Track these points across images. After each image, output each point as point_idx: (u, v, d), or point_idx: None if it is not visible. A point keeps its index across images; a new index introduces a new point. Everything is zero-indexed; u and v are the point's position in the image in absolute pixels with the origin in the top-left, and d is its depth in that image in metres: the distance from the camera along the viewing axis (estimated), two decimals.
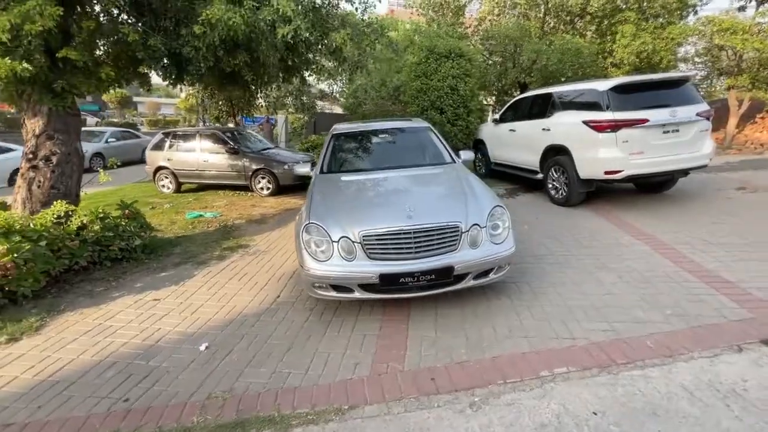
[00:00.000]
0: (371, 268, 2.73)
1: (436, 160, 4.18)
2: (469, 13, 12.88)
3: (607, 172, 5.03)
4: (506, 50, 10.20)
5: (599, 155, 5.07)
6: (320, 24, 4.63)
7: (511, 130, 7.16)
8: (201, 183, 8.40)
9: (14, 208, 3.95)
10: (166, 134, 8.56)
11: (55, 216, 3.61)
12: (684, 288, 3.19)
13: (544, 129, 6.10)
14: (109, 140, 13.76)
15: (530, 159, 6.52)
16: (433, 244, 2.80)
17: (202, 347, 2.73)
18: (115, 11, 4.63)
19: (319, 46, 4.84)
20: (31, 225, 3.41)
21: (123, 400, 2.24)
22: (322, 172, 4.09)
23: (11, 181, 9.64)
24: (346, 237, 2.81)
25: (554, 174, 5.96)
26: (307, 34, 4.25)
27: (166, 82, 4.96)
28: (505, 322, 2.85)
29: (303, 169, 4.31)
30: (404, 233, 2.77)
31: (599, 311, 2.92)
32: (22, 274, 3.21)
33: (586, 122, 5.18)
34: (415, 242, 2.76)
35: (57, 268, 3.56)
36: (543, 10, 11.24)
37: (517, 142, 6.94)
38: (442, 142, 4.44)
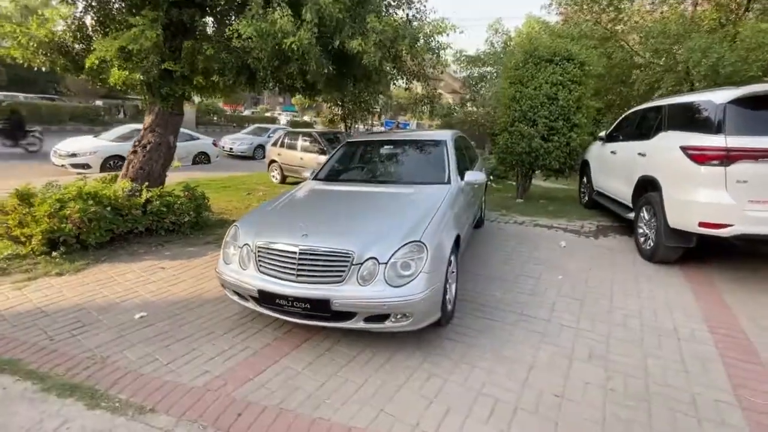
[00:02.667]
0: (254, 282, 2.64)
1: (427, 178, 3.66)
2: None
3: (703, 224, 3.40)
4: (660, 50, 7.86)
5: (696, 197, 3.47)
6: (358, 32, 4.62)
7: (612, 152, 5.59)
8: (298, 177, 9.52)
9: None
10: (285, 133, 10.04)
11: (125, 191, 4.75)
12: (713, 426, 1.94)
13: (640, 154, 4.54)
14: (270, 136, 16.95)
15: (624, 191, 4.97)
16: (317, 271, 2.50)
17: (137, 315, 3.18)
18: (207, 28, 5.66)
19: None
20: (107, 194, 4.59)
21: (50, 339, 2.84)
22: (314, 178, 4.12)
23: (194, 161, 13.00)
24: (248, 245, 2.80)
25: (645, 215, 4.38)
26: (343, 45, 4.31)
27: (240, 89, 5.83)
28: (374, 384, 2.33)
29: (307, 174, 4.43)
30: (289, 252, 2.57)
31: (514, 415, 2.07)
32: (90, 229, 4.37)
33: (684, 148, 3.61)
34: (299, 264, 2.53)
35: (120, 228, 4.69)
36: None
37: (615, 168, 5.39)
38: (449, 160, 3.85)
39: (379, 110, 11.13)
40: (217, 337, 2.88)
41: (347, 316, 2.46)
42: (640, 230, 4.47)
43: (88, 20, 5.64)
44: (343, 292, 2.42)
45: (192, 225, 5.29)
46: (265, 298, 2.60)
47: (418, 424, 2.02)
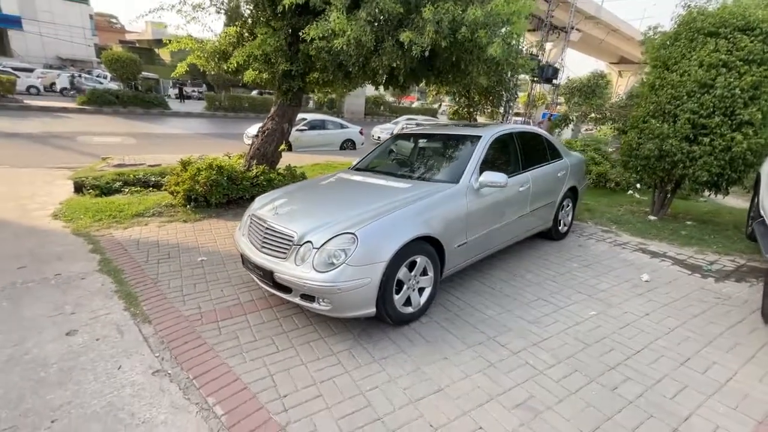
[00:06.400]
0: (241, 246, 3.19)
1: (436, 176, 3.50)
2: None
3: None
4: None
5: None
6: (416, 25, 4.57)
7: None
8: None
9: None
10: (405, 125, 10.51)
11: (241, 166, 6.11)
12: None
13: None
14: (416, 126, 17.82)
15: None
16: (273, 245, 2.86)
17: (199, 259, 4.23)
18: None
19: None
20: (226, 167, 6.03)
21: (146, 261, 4.12)
22: (352, 167, 4.41)
23: (341, 146, 14.94)
24: (249, 215, 3.36)
25: None
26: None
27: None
28: (288, 354, 2.58)
29: (354, 162, 4.74)
30: (261, 226, 3.00)
31: (371, 424, 1.99)
32: (212, 192, 5.87)
33: None
34: (263, 237, 2.94)
35: (233, 194, 6.09)
36: None
37: None
38: (473, 159, 3.50)
39: (504, 102, 10.21)
40: (229, 285, 3.61)
41: (288, 289, 2.75)
42: None
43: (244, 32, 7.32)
44: (283, 268, 2.71)
45: None
46: (243, 260, 3.13)
47: (284, 397, 2.18)
